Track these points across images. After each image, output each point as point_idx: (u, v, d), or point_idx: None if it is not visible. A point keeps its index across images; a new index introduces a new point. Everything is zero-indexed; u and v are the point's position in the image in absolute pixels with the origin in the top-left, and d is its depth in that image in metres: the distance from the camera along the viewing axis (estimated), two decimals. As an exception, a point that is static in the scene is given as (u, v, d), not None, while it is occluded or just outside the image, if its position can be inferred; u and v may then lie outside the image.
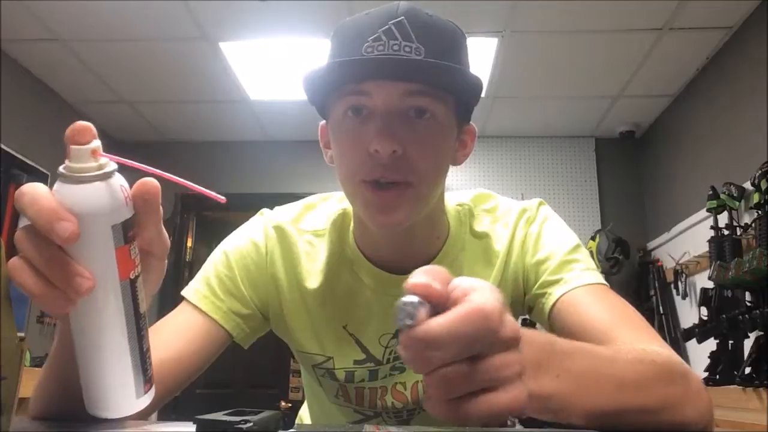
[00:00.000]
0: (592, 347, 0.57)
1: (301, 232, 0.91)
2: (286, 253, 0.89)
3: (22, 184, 0.43)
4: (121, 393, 0.46)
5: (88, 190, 0.41)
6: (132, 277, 0.44)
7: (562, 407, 0.49)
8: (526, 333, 0.47)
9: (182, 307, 0.84)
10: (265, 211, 0.94)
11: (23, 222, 0.43)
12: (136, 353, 0.46)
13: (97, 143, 0.41)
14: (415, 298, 0.39)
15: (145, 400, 0.47)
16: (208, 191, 0.47)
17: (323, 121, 0.85)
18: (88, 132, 0.42)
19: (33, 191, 0.42)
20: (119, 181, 0.43)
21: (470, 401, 0.41)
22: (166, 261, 0.53)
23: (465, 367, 0.40)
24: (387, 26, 0.72)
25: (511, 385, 0.42)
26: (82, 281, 0.42)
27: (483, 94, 3.60)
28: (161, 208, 0.48)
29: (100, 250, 0.42)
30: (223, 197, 0.46)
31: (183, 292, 0.85)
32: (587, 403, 0.51)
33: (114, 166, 0.42)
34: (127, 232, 0.43)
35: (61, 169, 0.41)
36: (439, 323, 0.39)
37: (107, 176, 0.41)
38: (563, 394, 0.49)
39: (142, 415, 0.75)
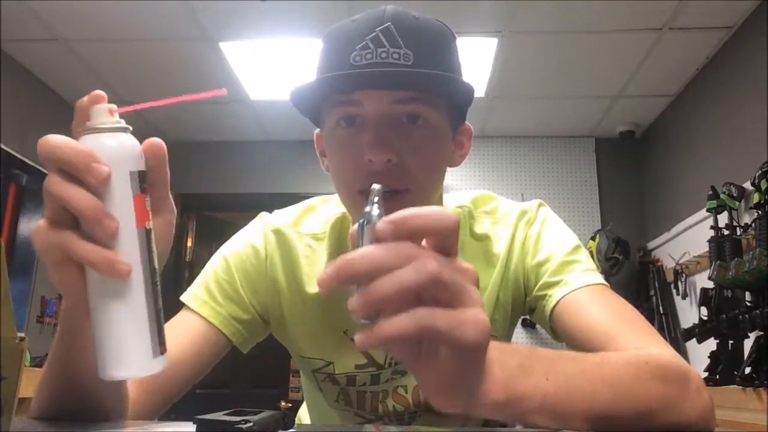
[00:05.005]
0: (579, 354, 0.57)
1: (301, 235, 0.90)
2: (286, 256, 0.89)
3: (22, 184, 0.44)
4: (138, 347, 0.45)
5: (109, 138, 0.45)
6: (147, 227, 0.46)
7: (557, 408, 0.49)
8: (509, 344, 0.50)
9: (182, 312, 0.84)
10: (264, 214, 0.94)
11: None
12: (152, 307, 0.46)
13: (113, 105, 0.47)
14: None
15: (161, 362, 0.47)
16: (205, 93, 0.51)
17: (318, 130, 0.84)
18: (103, 97, 0.47)
19: (61, 138, 0.45)
20: (133, 137, 0.47)
21: (434, 312, 0.40)
22: (173, 232, 0.53)
23: (437, 254, 0.42)
24: (374, 33, 0.71)
25: (472, 304, 0.42)
26: (111, 222, 0.44)
27: (482, 94, 3.57)
28: (168, 171, 0.50)
29: (120, 195, 0.45)
30: (222, 89, 0.49)
31: (182, 298, 0.85)
32: (582, 404, 0.51)
33: (127, 126, 0.47)
34: (142, 182, 0.46)
35: (82, 129, 0.46)
36: (407, 209, 0.42)
37: (125, 129, 0.47)
38: (555, 394, 0.49)
39: (147, 416, 0.75)
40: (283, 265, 0.89)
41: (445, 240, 0.43)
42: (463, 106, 0.81)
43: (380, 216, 0.42)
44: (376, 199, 0.43)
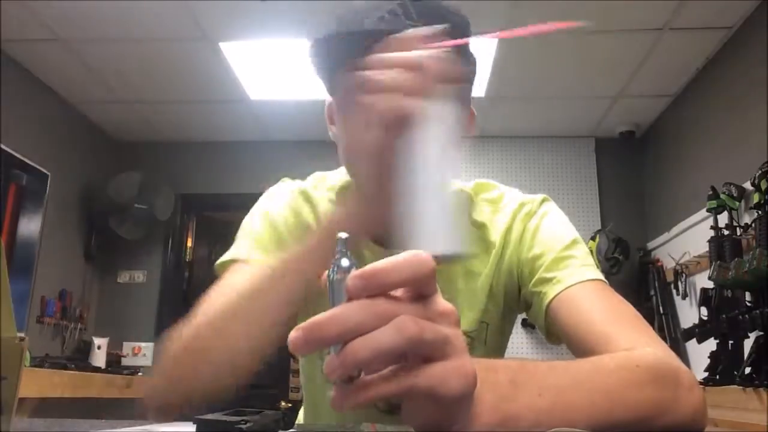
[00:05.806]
0: (571, 362, 0.56)
1: (322, 197, 0.93)
2: (314, 212, 0.91)
3: (22, 184, 0.43)
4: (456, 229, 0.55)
5: None
6: None
7: (552, 423, 0.49)
8: (498, 360, 0.49)
9: (230, 271, 0.82)
10: (285, 179, 0.98)
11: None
12: None
13: None
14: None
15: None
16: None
17: (330, 99, 0.85)
18: None
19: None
20: None
21: (416, 371, 0.39)
22: None
23: (415, 307, 0.39)
24: (390, 6, 0.73)
25: (456, 354, 0.40)
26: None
27: (482, 94, 3.55)
28: None
29: None
30: None
31: (225, 257, 0.84)
32: (578, 417, 0.51)
33: None
34: None
35: None
36: (379, 262, 0.39)
37: None
38: (549, 411, 0.49)
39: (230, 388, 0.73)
40: (313, 220, 0.91)
41: (422, 286, 0.40)
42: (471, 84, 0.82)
43: (350, 267, 0.40)
44: (344, 249, 0.41)
